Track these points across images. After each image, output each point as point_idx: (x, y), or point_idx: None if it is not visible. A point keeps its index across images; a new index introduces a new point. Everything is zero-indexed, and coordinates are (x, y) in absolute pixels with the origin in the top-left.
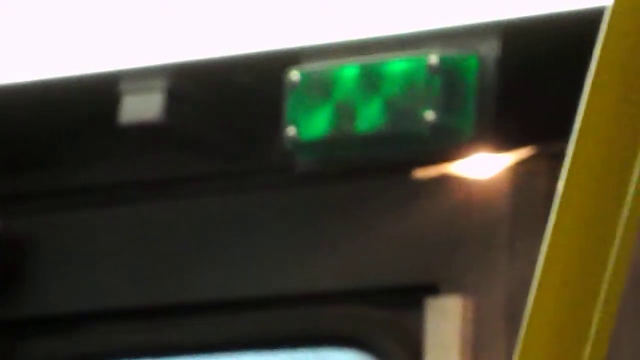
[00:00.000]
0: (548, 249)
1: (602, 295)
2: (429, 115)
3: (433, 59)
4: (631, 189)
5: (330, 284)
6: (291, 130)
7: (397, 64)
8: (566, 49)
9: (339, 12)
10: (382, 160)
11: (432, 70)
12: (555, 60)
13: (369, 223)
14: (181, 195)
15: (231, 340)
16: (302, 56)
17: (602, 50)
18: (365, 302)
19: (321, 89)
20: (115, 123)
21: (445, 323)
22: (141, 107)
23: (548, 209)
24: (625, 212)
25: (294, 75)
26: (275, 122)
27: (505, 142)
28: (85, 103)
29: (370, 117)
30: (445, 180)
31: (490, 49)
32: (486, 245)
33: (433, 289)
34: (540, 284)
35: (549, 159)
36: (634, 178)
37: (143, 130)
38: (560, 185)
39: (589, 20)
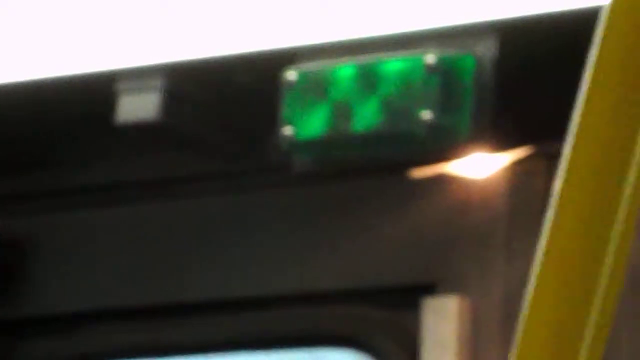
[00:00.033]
0: (545, 249)
1: (599, 295)
2: (426, 115)
3: (430, 58)
4: (628, 189)
5: (327, 283)
6: (288, 130)
7: (394, 64)
8: (563, 48)
9: (336, 12)
10: (379, 160)
11: (429, 70)
12: (553, 60)
13: (366, 223)
14: (179, 195)
15: (229, 340)
16: (298, 56)
17: (600, 50)
18: (362, 301)
19: (318, 88)
20: (113, 123)
21: (442, 323)
22: (138, 107)
23: (545, 209)
24: (622, 212)
25: (291, 74)
26: (273, 122)
27: (503, 142)
28: (83, 103)
29: (367, 116)
30: (442, 180)
31: (488, 49)
32: (484, 245)
33: (430, 289)
34: (537, 284)
35: (547, 159)
36: (631, 178)
37: (140, 130)
38: (558, 185)
39: (586, 20)
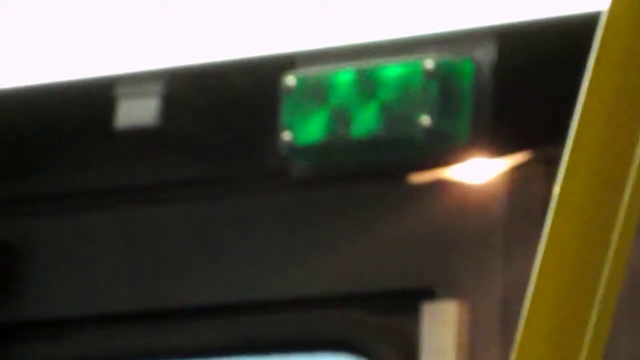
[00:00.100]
0: (544, 254)
1: (598, 300)
2: (425, 120)
3: (429, 63)
4: (627, 194)
5: (326, 288)
6: (287, 135)
7: (392, 69)
8: (562, 53)
9: (335, 17)
10: (378, 165)
11: (428, 75)
12: (551, 65)
13: (365, 228)
14: (177, 199)
15: (227, 344)
16: (297, 61)
17: (598, 54)
18: (361, 306)
19: (317, 93)
20: (111, 127)
21: (441, 327)
22: (137, 112)
23: (544, 213)
24: (621, 216)
25: (290, 80)
26: (272, 127)
27: (501, 147)
28: (81, 107)
29: (366, 122)
30: (441, 185)
31: (486, 54)
32: (482, 250)
33: (429, 294)
34: (536, 289)
35: (545, 164)
36: (630, 182)
37: (139, 135)
38: (556, 190)
39: (585, 25)
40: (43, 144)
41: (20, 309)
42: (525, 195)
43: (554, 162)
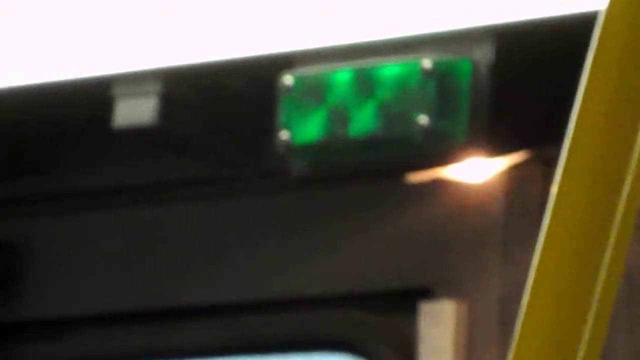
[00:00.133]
0: (541, 253)
1: (596, 299)
2: (423, 119)
3: (426, 63)
4: (624, 193)
5: (324, 288)
6: (284, 135)
7: (390, 68)
8: (560, 53)
9: (333, 17)
10: (376, 165)
11: (426, 74)
12: (549, 64)
13: (363, 227)
14: (175, 199)
15: (226, 344)
16: (295, 60)
17: (596, 54)
18: (358, 306)
19: (315, 93)
20: (109, 127)
21: (438, 327)
22: (135, 111)
23: (541, 213)
24: (618, 216)
25: (288, 79)
26: (270, 126)
27: (499, 147)
28: (79, 107)
29: (363, 121)
30: (438, 185)
31: (484, 54)
32: (480, 250)
33: (426, 293)
34: (533, 288)
35: (543, 164)
36: (628, 182)
37: (137, 135)
38: (554, 189)
39: (582, 25)
40: (40, 144)
41: (20, 309)
42: (523, 195)
43: (552, 162)
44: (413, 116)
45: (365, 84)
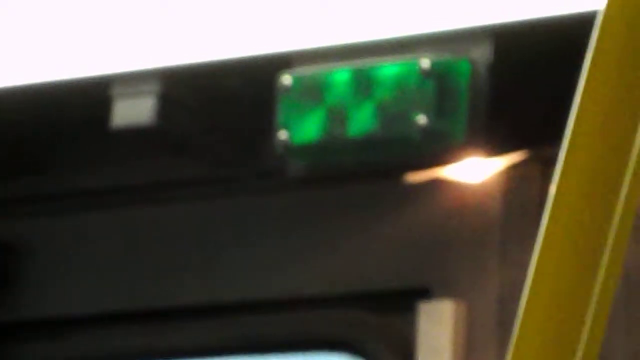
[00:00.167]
0: (540, 253)
1: (594, 299)
2: (421, 119)
3: (425, 63)
4: (623, 194)
5: (322, 287)
6: (283, 135)
7: (389, 68)
8: (558, 53)
9: (331, 16)
10: (374, 165)
11: (424, 74)
12: (548, 64)
13: (361, 227)
14: (174, 199)
15: (224, 344)
16: (294, 60)
17: (594, 54)
18: (357, 306)
19: (313, 93)
20: (107, 127)
21: (437, 327)
22: (133, 111)
23: (540, 213)
24: (617, 217)
25: (286, 79)
26: (268, 126)
27: (497, 147)
28: (77, 107)
29: (362, 121)
30: (437, 185)
31: (482, 53)
32: (478, 250)
33: (425, 293)
34: (532, 288)
35: (541, 164)
36: (626, 182)
37: (135, 135)
38: (552, 189)
39: (581, 25)
40: (39, 144)
41: (19, 309)
42: (522, 195)
43: (550, 162)
44: (411, 116)
45: (363, 84)
